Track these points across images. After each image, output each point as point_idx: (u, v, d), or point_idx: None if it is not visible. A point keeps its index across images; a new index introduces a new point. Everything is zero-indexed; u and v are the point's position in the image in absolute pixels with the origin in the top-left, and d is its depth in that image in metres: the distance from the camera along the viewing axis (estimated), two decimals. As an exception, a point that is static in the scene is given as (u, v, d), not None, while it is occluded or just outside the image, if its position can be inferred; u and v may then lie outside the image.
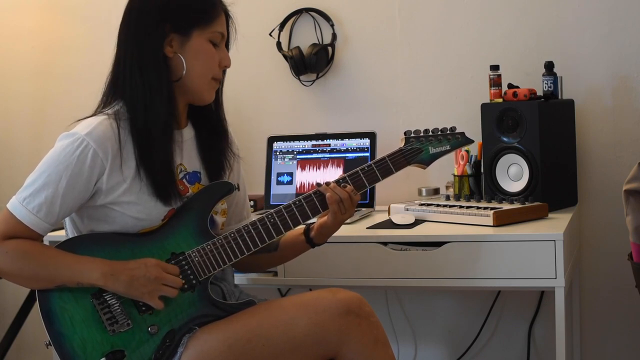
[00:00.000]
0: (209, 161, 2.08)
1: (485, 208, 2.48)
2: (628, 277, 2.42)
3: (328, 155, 2.92)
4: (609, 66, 2.83)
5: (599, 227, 2.88)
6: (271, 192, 2.95)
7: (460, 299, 3.05)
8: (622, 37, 2.82)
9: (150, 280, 1.88)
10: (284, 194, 2.92)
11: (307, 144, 2.96)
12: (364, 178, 2.04)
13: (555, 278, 2.27)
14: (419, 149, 2.09)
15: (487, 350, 3.04)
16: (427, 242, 2.38)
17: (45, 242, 2.36)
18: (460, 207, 2.54)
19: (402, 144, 2.09)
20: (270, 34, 3.08)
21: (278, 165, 2.97)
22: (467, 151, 2.74)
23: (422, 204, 2.63)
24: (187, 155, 2.05)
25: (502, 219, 2.42)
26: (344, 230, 2.49)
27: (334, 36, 3.07)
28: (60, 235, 2.13)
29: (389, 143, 2.77)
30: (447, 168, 2.71)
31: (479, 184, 2.75)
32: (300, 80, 3.10)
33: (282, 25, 3.10)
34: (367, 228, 2.53)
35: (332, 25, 3.06)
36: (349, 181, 2.04)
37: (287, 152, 2.96)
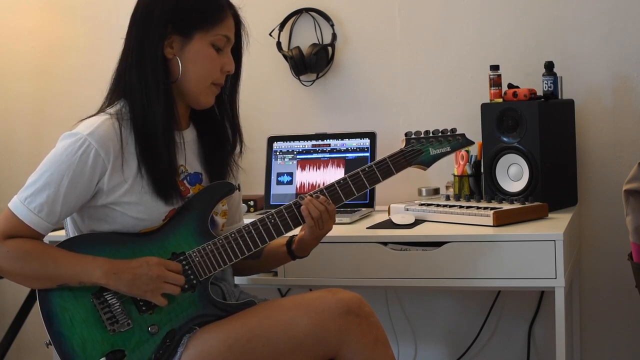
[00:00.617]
0: (210, 163, 2.07)
1: (485, 208, 2.48)
2: (628, 277, 2.42)
3: (328, 155, 2.92)
4: (609, 66, 2.83)
5: (599, 227, 2.88)
6: (271, 192, 2.95)
7: (460, 299, 3.05)
8: (622, 37, 2.82)
9: (152, 278, 1.88)
10: (284, 194, 2.92)
11: (307, 144, 2.96)
12: (364, 179, 2.04)
13: (555, 278, 2.27)
14: (420, 150, 2.09)
15: (487, 350, 3.04)
16: (427, 242, 2.38)
17: (45, 242, 2.35)
18: (460, 207, 2.54)
19: (402, 145, 2.09)
20: (270, 34, 3.08)
21: (278, 165, 2.97)
22: (467, 151, 2.74)
23: (422, 204, 2.63)
24: (189, 156, 2.04)
25: (502, 219, 2.42)
26: (344, 230, 2.50)
27: (334, 36, 3.07)
28: (60, 235, 2.13)
29: (389, 143, 2.78)
30: (447, 168, 2.71)
31: (479, 184, 2.75)
32: (300, 80, 3.10)
33: (282, 25, 3.10)
34: (367, 228, 2.53)
35: (332, 25, 3.06)
36: (349, 182, 2.04)
37: (287, 152, 2.97)
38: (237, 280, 2.24)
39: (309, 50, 3.04)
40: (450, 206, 2.57)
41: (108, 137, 1.91)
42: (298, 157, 2.95)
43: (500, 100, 2.68)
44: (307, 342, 1.90)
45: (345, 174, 2.35)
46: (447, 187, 2.85)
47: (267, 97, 3.14)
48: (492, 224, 2.40)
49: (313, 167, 2.93)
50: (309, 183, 2.92)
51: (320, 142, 2.95)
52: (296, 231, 2.10)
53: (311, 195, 2.02)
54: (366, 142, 2.89)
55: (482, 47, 2.94)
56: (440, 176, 2.86)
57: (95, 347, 1.89)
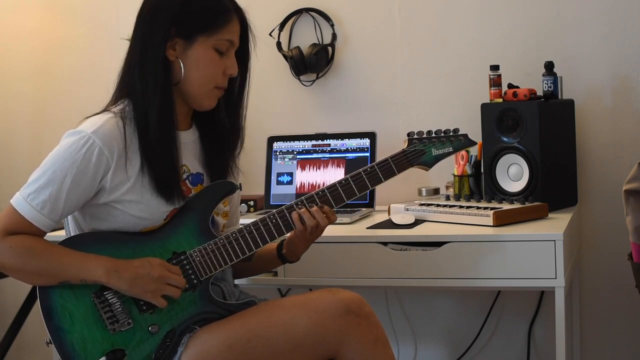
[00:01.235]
0: (212, 165, 2.07)
1: (485, 208, 2.48)
2: (628, 277, 2.42)
3: (328, 155, 2.92)
4: (609, 66, 2.83)
5: (599, 227, 2.88)
6: (271, 192, 2.95)
7: (460, 299, 3.05)
8: (622, 37, 2.82)
9: (153, 278, 1.88)
10: (284, 194, 2.92)
11: (307, 144, 2.96)
12: (366, 179, 2.04)
13: (555, 278, 2.27)
14: (422, 150, 2.09)
15: (487, 350, 3.04)
16: (427, 242, 2.38)
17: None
18: (460, 207, 2.54)
19: (404, 146, 2.09)
20: (270, 34, 3.08)
21: (278, 165, 2.97)
22: (467, 151, 2.74)
23: (422, 204, 2.63)
24: (190, 157, 2.05)
25: (502, 219, 2.42)
26: (344, 230, 2.51)
27: (334, 36, 3.07)
28: (60, 235, 2.13)
29: (389, 143, 2.78)
30: (447, 168, 2.71)
31: (479, 184, 2.75)
32: (300, 80, 3.10)
33: (282, 25, 3.10)
34: (367, 228, 2.53)
35: (332, 25, 3.07)
36: (351, 182, 2.03)
37: (287, 152, 2.97)
38: (237, 280, 2.24)
39: (309, 50, 3.04)
40: (450, 206, 2.57)
41: (112, 136, 1.91)
42: (298, 157, 2.95)
43: (500, 100, 2.68)
44: (307, 342, 1.90)
45: (345, 174, 2.36)
46: (447, 187, 2.85)
47: (267, 97, 3.13)
48: (492, 224, 2.40)
49: (313, 167, 2.93)
50: (309, 183, 2.92)
51: (320, 142, 2.95)
52: (270, 245, 2.09)
53: (312, 196, 2.02)
54: (366, 142, 2.89)
55: (482, 47, 2.94)
56: (440, 176, 2.86)
57: (96, 346, 1.89)
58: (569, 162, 2.76)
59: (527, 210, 2.48)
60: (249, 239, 1.99)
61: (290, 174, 2.95)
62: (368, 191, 2.12)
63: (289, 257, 2.15)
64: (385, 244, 2.41)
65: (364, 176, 2.04)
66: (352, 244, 2.43)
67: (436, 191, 2.86)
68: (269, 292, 3.04)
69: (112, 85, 2.02)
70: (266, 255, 2.17)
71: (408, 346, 3.12)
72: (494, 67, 2.72)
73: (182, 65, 1.96)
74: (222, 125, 2.09)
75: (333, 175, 2.88)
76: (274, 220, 2.00)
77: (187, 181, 2.02)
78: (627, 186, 2.24)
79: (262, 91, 3.09)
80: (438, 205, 2.59)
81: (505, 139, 2.64)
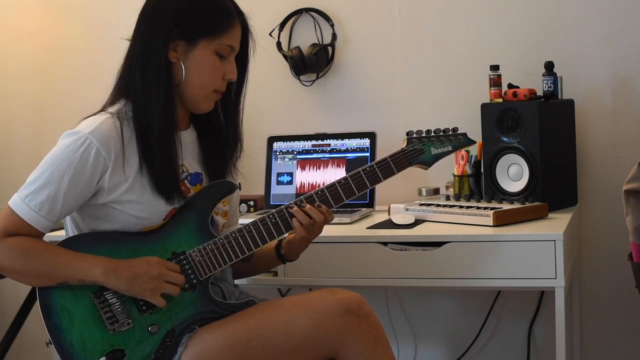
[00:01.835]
0: (210, 165, 2.07)
1: (485, 208, 2.48)
2: (628, 277, 2.42)
3: (328, 155, 2.92)
4: (609, 66, 2.83)
5: (599, 227, 2.88)
6: (271, 192, 2.95)
7: (460, 299, 3.05)
8: (622, 37, 2.82)
9: (152, 277, 1.88)
10: (284, 194, 2.92)
11: (307, 144, 2.96)
12: (365, 178, 2.04)
13: (555, 278, 2.27)
14: (421, 149, 2.09)
15: (487, 350, 3.04)
16: (427, 242, 2.38)
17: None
18: (460, 207, 2.54)
19: (404, 145, 2.08)
20: (270, 34, 3.08)
21: (278, 165, 2.97)
22: (467, 151, 2.74)
23: (422, 204, 2.63)
24: (189, 157, 2.04)
25: (502, 219, 2.42)
26: (344, 230, 2.50)
27: (334, 36, 3.07)
28: (60, 235, 2.13)
29: (389, 143, 2.77)
30: (447, 168, 2.71)
31: (479, 184, 2.75)
32: (300, 80, 3.10)
33: (282, 25, 3.10)
34: (367, 228, 2.53)
35: (332, 25, 3.07)
36: (350, 182, 2.03)
37: (287, 152, 2.96)
38: (237, 280, 2.24)
39: (309, 50, 3.04)
40: (450, 206, 2.57)
41: (109, 136, 1.91)
42: (298, 157, 2.95)
43: (500, 100, 2.68)
44: (307, 342, 1.90)
45: (346, 173, 2.35)
46: (447, 187, 2.85)
47: (267, 97, 3.14)
48: (492, 224, 2.40)
49: (313, 167, 2.93)
50: (309, 183, 2.92)
51: (320, 142, 2.94)
52: (269, 244, 2.09)
53: (312, 195, 2.02)
54: (366, 142, 2.89)
55: (482, 47, 2.94)
56: (440, 176, 2.86)
57: (95, 346, 1.89)
58: (569, 162, 2.76)
59: (527, 210, 2.48)
60: (249, 239, 1.99)
61: (290, 174, 2.95)
62: (368, 191, 2.12)
63: (288, 257, 2.15)
64: (385, 244, 2.41)
65: (363, 175, 2.04)
66: (352, 244, 2.43)
67: (436, 191, 2.86)
68: (269, 292, 3.04)
69: (111, 86, 2.02)
70: (265, 255, 2.17)
71: (408, 346, 3.12)
72: (494, 67, 2.72)
73: (183, 67, 1.96)
74: (220, 126, 2.09)
75: (333, 175, 2.88)
76: (273, 220, 2.00)
77: (186, 181, 2.02)
78: (627, 186, 2.24)
79: (262, 91, 3.10)
80: (438, 205, 2.59)
81: (505, 139, 2.64)
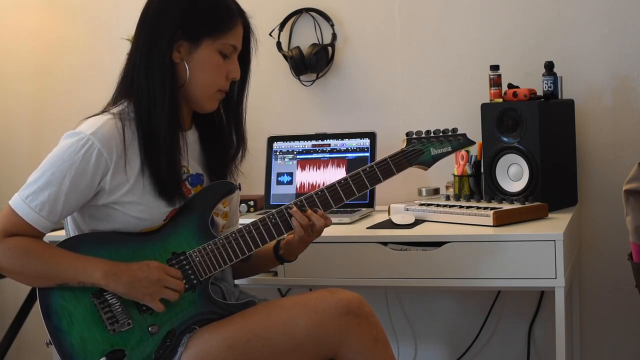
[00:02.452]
0: (211, 165, 2.07)
1: (485, 208, 2.48)
2: (628, 277, 2.42)
3: (328, 155, 2.92)
4: (609, 66, 2.83)
5: (599, 227, 2.88)
6: (271, 192, 2.95)
7: (460, 299, 3.05)
8: (622, 37, 2.82)
9: (152, 282, 1.88)
10: (284, 194, 2.92)
11: (307, 144, 2.96)
12: (365, 179, 2.04)
13: (555, 278, 2.27)
14: (421, 150, 2.09)
15: (487, 350, 3.04)
16: (427, 242, 2.38)
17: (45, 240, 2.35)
18: (460, 207, 2.54)
19: (403, 145, 2.09)
20: (270, 34, 3.08)
21: (278, 165, 2.97)
22: (467, 151, 2.74)
23: (422, 204, 2.63)
24: (190, 157, 2.04)
25: (502, 219, 2.42)
26: (344, 230, 2.51)
27: (334, 36, 3.07)
28: (60, 235, 2.13)
29: (389, 143, 2.78)
30: (447, 168, 2.71)
31: (479, 184, 2.75)
32: (300, 80, 3.10)
33: (282, 25, 3.10)
34: (367, 228, 2.53)
35: (332, 25, 3.07)
36: (350, 182, 2.03)
37: (287, 152, 2.97)
38: (237, 280, 2.24)
39: (309, 50, 3.04)
40: (450, 206, 2.57)
41: (111, 137, 1.91)
42: (298, 157, 2.95)
43: (500, 100, 2.68)
44: (307, 342, 1.90)
45: (346, 173, 2.35)
46: (447, 187, 2.85)
47: (267, 97, 3.13)
48: (492, 224, 2.40)
49: (313, 167, 2.93)
50: (309, 183, 2.92)
51: (320, 142, 2.95)
52: (267, 245, 2.09)
53: (312, 196, 2.02)
54: (366, 142, 2.89)
55: (482, 47, 2.94)
56: (440, 176, 2.86)
57: (96, 347, 1.89)
58: (569, 162, 2.76)
59: (527, 210, 2.48)
60: (249, 239, 1.99)
61: (290, 174, 2.95)
62: (367, 191, 2.12)
63: (286, 257, 2.15)
64: (385, 244, 2.41)
65: (363, 176, 2.04)
66: (352, 244, 2.43)
67: (436, 191, 2.86)
68: (269, 292, 3.04)
69: (112, 86, 2.02)
70: (264, 255, 2.17)
71: (408, 346, 3.12)
72: (494, 67, 2.72)
73: (187, 67, 1.96)
74: (221, 126, 2.09)
75: (333, 175, 2.88)
76: (273, 221, 2.00)
77: (186, 182, 2.02)
78: (627, 186, 2.24)
79: (262, 91, 3.10)
80: (438, 205, 2.59)
81: (505, 139, 2.64)
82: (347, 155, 2.90)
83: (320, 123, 3.09)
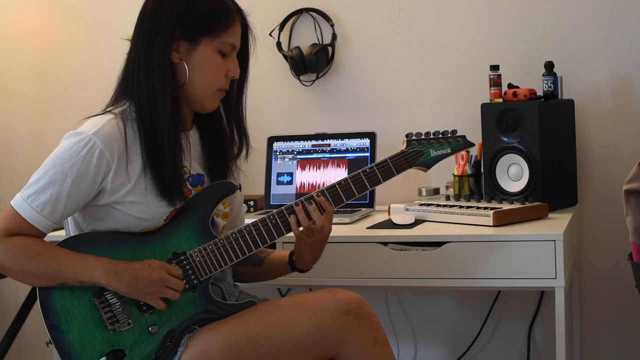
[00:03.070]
0: (212, 165, 2.07)
1: (485, 208, 2.48)
2: (628, 277, 2.42)
3: (328, 155, 2.92)
4: (609, 66, 2.83)
5: (599, 227, 2.88)
6: (271, 192, 2.95)
7: (460, 299, 3.05)
8: (622, 37, 2.82)
9: (153, 281, 1.88)
10: (284, 194, 2.92)
11: (307, 144, 2.96)
12: (365, 180, 2.04)
13: (555, 278, 2.27)
14: (421, 151, 2.09)
15: (487, 350, 3.04)
16: (427, 242, 2.38)
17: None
18: (460, 207, 2.54)
19: (403, 147, 2.09)
20: (270, 34, 3.08)
21: (278, 165, 2.97)
22: (467, 151, 2.74)
23: (422, 204, 2.64)
24: (191, 158, 2.04)
25: (502, 219, 2.42)
26: (344, 230, 2.50)
27: (334, 36, 3.07)
28: (60, 235, 2.13)
29: (389, 143, 2.78)
30: (447, 168, 2.71)
31: (479, 184, 2.75)
32: (300, 80, 3.10)
33: (282, 25, 3.10)
34: (367, 228, 2.53)
35: (332, 25, 3.07)
36: (350, 183, 2.03)
37: (287, 152, 2.97)
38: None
39: (309, 50, 3.04)
40: (450, 206, 2.57)
41: (113, 137, 1.91)
42: (298, 157, 2.95)
43: (500, 100, 2.68)
44: (307, 342, 1.90)
45: (348, 173, 2.36)
46: (447, 187, 2.85)
47: (267, 97, 3.14)
48: (492, 224, 2.40)
49: (313, 167, 2.93)
50: (309, 183, 2.92)
51: (320, 142, 2.95)
52: (283, 252, 2.12)
53: (311, 197, 2.02)
54: (366, 142, 2.89)
55: (482, 47, 2.94)
56: (440, 176, 2.86)
57: (96, 347, 1.89)
58: (569, 162, 2.76)
59: (527, 210, 2.48)
60: (249, 240, 1.99)
61: (290, 174, 2.95)
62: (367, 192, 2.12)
63: (298, 264, 2.14)
64: (385, 244, 2.41)
65: (363, 177, 2.04)
66: (352, 244, 2.43)
67: (436, 191, 2.86)
68: (269, 292, 3.04)
69: (111, 86, 2.02)
70: (277, 261, 2.16)
71: (408, 346, 3.12)
72: (494, 67, 2.73)
73: (186, 67, 1.96)
74: (222, 126, 2.09)
75: (333, 175, 2.88)
76: (273, 221, 2.00)
77: (187, 182, 2.02)
78: (627, 186, 2.24)
79: (262, 91, 3.11)
80: (438, 205, 2.60)
81: (505, 139, 2.64)
82: (347, 155, 2.90)
83: (320, 123, 3.09)
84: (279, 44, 3.09)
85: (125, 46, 2.02)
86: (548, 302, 2.89)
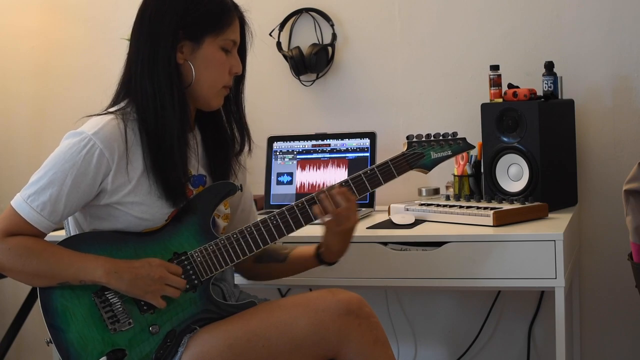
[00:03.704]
0: (214, 165, 2.07)
1: (485, 208, 2.48)
2: (628, 277, 2.42)
3: (328, 155, 2.92)
4: (609, 66, 2.83)
5: (599, 227, 2.88)
6: (271, 192, 2.95)
7: (460, 299, 3.05)
8: (622, 37, 2.82)
9: (154, 280, 1.88)
10: (284, 194, 2.92)
11: (307, 144, 2.96)
12: (366, 181, 2.04)
13: (555, 278, 2.27)
14: (421, 153, 2.10)
15: (487, 350, 3.04)
16: (427, 242, 2.38)
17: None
18: (460, 207, 2.55)
19: (404, 149, 2.09)
20: (270, 34, 3.08)
21: (278, 165, 2.97)
22: (467, 151, 2.73)
23: (422, 204, 2.64)
24: (193, 158, 2.04)
25: (502, 219, 2.42)
26: (344, 230, 2.50)
27: (334, 36, 3.07)
28: (60, 235, 2.13)
29: (389, 143, 2.78)
30: (447, 168, 2.70)
31: (479, 184, 2.75)
32: (300, 80, 3.10)
33: (282, 25, 3.10)
34: (367, 228, 2.53)
35: (332, 25, 3.07)
36: (351, 184, 2.03)
37: (287, 152, 2.97)
38: (237, 280, 2.24)
39: (309, 50, 3.04)
40: (450, 206, 2.57)
41: (113, 138, 1.91)
42: (298, 157, 2.95)
43: (500, 100, 2.68)
44: (307, 342, 1.90)
45: (348, 173, 2.36)
46: (447, 187, 2.85)
47: (267, 97, 3.14)
48: (492, 224, 2.40)
49: (313, 167, 2.93)
50: (309, 183, 2.92)
51: (320, 142, 2.95)
52: (309, 246, 2.11)
53: (312, 198, 2.01)
54: (366, 142, 2.89)
55: (482, 47, 2.94)
56: (440, 176, 2.86)
57: (96, 346, 1.89)
58: (569, 162, 2.76)
59: (527, 210, 2.48)
60: (250, 240, 1.99)
61: (290, 174, 2.95)
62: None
63: (325, 257, 2.11)
64: (385, 244, 2.41)
65: (364, 178, 2.04)
66: (352, 244, 2.42)
67: (436, 191, 2.86)
68: (269, 292, 3.04)
69: (111, 86, 2.02)
70: (302, 255, 2.14)
71: (408, 346, 3.12)
72: (494, 67, 2.73)
73: (192, 67, 1.96)
74: (223, 125, 2.09)
75: (333, 175, 2.88)
76: (274, 222, 2.00)
77: (188, 183, 2.02)
78: (627, 186, 2.24)
79: (262, 91, 3.11)
80: (438, 205, 2.60)
81: (505, 139, 2.64)
82: (347, 155, 2.90)
83: (320, 123, 3.09)
84: (279, 44, 3.09)
85: (125, 46, 2.02)
86: (548, 302, 2.89)
